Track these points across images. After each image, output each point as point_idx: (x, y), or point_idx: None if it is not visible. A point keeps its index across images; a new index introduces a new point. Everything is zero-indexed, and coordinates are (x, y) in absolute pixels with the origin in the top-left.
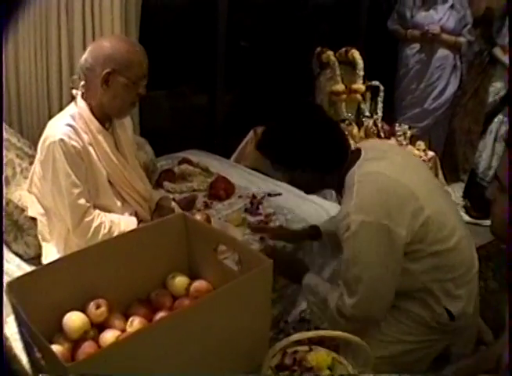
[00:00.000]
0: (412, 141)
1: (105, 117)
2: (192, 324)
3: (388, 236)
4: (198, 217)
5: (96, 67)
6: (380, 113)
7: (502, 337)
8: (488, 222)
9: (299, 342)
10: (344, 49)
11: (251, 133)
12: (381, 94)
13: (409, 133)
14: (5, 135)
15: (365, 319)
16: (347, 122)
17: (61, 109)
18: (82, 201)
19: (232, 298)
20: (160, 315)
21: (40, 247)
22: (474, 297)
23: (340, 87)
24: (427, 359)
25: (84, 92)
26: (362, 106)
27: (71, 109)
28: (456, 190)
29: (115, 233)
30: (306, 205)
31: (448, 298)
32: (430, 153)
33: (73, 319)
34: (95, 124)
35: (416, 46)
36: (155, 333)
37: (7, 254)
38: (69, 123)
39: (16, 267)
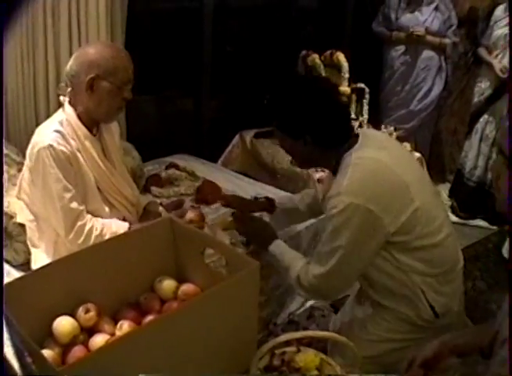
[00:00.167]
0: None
1: (92, 123)
2: (180, 327)
3: (372, 221)
4: (191, 215)
5: (81, 74)
6: (365, 116)
7: (498, 315)
8: (475, 222)
9: (287, 343)
10: (329, 52)
11: (238, 137)
12: (367, 96)
13: (394, 135)
14: None
15: (319, 292)
16: None
17: (48, 116)
18: (75, 205)
19: (219, 301)
20: (149, 318)
21: (29, 253)
22: (459, 295)
23: None
24: None
25: (71, 98)
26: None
27: (59, 115)
28: (443, 191)
29: (107, 236)
30: None
31: (433, 294)
32: (416, 155)
33: (63, 324)
34: (82, 130)
35: (401, 48)
36: (144, 336)
37: None
38: (57, 129)
39: (5, 274)
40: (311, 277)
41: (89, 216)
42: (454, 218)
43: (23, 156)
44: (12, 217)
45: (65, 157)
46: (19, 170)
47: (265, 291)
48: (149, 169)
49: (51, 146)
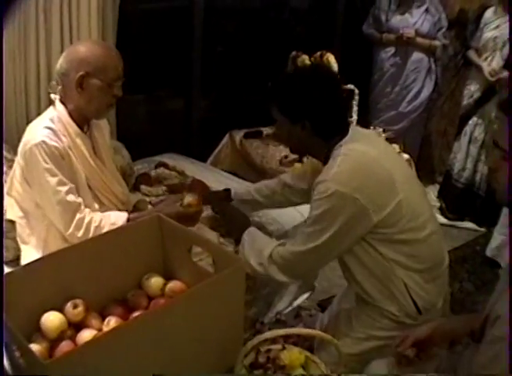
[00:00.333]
0: None
1: (83, 121)
2: (166, 323)
3: (357, 210)
4: (190, 199)
5: (71, 72)
6: (355, 117)
7: (490, 298)
8: (463, 224)
9: (274, 341)
10: (319, 53)
11: (227, 137)
12: (356, 97)
13: (383, 136)
14: None
15: (291, 269)
16: None
17: (39, 113)
18: (72, 198)
19: (205, 297)
20: (136, 315)
21: (18, 249)
22: (444, 294)
23: None
24: None
25: (61, 96)
26: None
27: (50, 112)
28: (432, 192)
29: (105, 228)
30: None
31: (416, 289)
32: (405, 156)
33: (51, 319)
34: (73, 127)
35: (391, 49)
36: (130, 331)
37: None
38: (48, 126)
39: None
40: (288, 253)
41: (87, 209)
42: (442, 219)
43: (14, 153)
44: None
45: (58, 152)
46: (10, 167)
47: (253, 289)
48: (138, 168)
49: (43, 142)
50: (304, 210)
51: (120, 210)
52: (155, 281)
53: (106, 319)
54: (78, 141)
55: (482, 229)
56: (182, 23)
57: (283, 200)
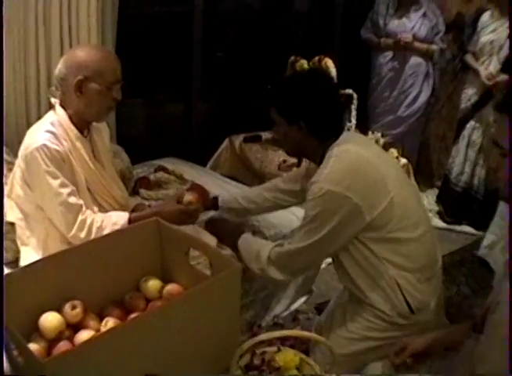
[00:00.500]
0: (386, 148)
1: (83, 125)
2: (163, 324)
3: (350, 209)
4: (190, 197)
5: (69, 76)
6: (353, 121)
7: (489, 297)
8: (461, 228)
9: (270, 344)
10: (317, 58)
11: (227, 141)
12: (355, 102)
13: (382, 141)
14: None
15: (287, 266)
16: None
17: (39, 117)
18: (73, 200)
19: (201, 300)
20: (134, 316)
21: (18, 251)
22: (437, 294)
23: None
24: None
25: (61, 101)
26: None
27: (50, 116)
28: (431, 196)
29: (107, 228)
30: (278, 211)
31: (409, 289)
32: (403, 161)
33: (50, 320)
34: (73, 131)
35: (389, 54)
36: (127, 332)
37: None
38: (49, 129)
39: None
40: (286, 251)
41: (89, 211)
42: (441, 223)
43: (14, 155)
44: None
45: (59, 155)
46: (10, 169)
47: (250, 293)
48: (138, 172)
49: (45, 145)
50: (300, 214)
51: None
52: (153, 284)
53: (104, 321)
54: (78, 145)
55: (480, 233)
56: (181, 27)
57: (271, 205)
